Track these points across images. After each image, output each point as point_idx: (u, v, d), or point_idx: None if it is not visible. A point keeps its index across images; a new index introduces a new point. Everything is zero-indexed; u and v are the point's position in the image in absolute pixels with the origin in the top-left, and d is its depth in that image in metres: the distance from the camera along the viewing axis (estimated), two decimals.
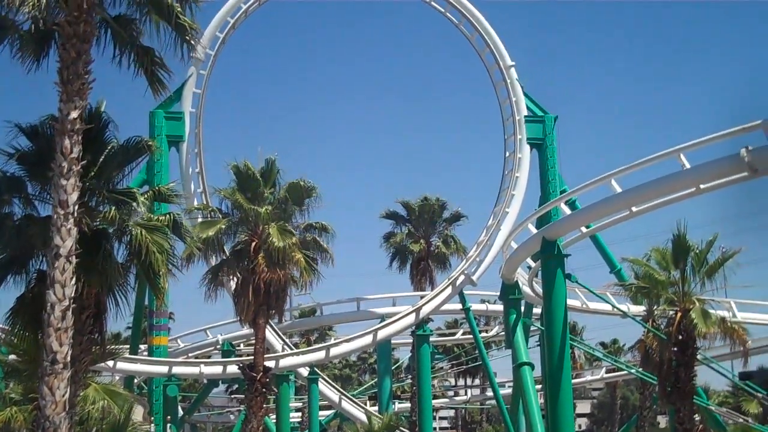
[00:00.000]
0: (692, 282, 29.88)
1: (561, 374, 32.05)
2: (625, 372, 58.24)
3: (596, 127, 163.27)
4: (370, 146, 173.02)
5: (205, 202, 41.76)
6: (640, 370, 40.33)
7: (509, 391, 52.61)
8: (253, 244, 31.90)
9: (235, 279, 33.07)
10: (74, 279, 17.97)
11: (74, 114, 18.16)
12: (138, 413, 31.54)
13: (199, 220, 33.04)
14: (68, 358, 17.84)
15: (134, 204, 19.71)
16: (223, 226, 32.08)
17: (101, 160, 19.96)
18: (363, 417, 52.11)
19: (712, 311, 29.67)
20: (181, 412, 50.61)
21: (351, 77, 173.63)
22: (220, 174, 51.99)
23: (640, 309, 37.98)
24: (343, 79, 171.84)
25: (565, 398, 31.97)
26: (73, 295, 17.95)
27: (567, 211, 34.93)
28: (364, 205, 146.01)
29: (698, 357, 30.58)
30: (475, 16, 50.59)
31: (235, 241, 33.09)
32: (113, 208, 19.75)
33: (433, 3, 51.07)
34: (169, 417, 43.82)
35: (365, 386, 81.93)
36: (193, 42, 19.93)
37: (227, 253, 33.00)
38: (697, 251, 29.70)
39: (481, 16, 50.63)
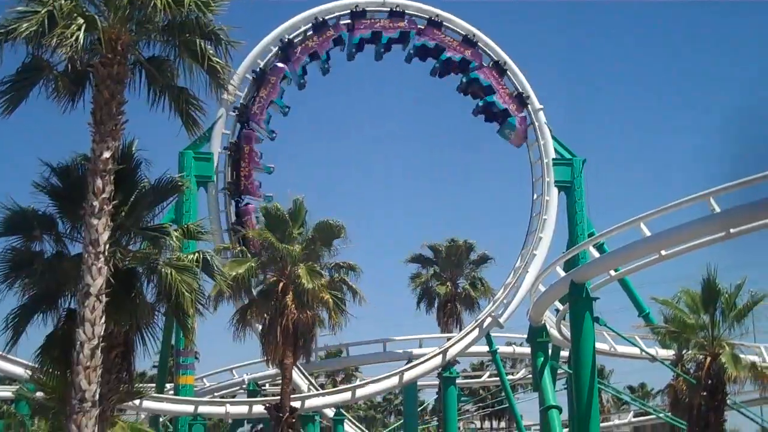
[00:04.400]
0: (722, 326, 29.66)
1: (589, 418, 31.94)
2: (653, 416, 57.85)
3: (623, 170, 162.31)
4: (396, 187, 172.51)
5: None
6: (669, 414, 40.00)
7: None
8: (281, 284, 31.86)
9: (262, 319, 33.03)
10: (104, 317, 17.99)
11: (107, 154, 18.24)
12: None
13: (229, 259, 33.04)
14: (96, 397, 17.81)
15: (167, 239, 19.75)
16: (254, 265, 32.08)
17: (132, 199, 20.03)
18: None
19: (742, 356, 29.48)
20: None
21: (380, 119, 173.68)
22: None
23: (668, 353, 37.77)
24: (371, 122, 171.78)
25: None
26: (102, 333, 17.98)
27: (595, 254, 34.87)
28: (390, 245, 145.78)
29: (728, 402, 30.30)
30: (504, 60, 50.67)
31: (262, 282, 33.11)
32: (146, 244, 19.91)
33: None
34: None
35: (390, 428, 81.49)
36: (224, 83, 20.05)
37: (254, 294, 33.02)
38: (727, 295, 29.51)
39: (509, 59, 50.73)
